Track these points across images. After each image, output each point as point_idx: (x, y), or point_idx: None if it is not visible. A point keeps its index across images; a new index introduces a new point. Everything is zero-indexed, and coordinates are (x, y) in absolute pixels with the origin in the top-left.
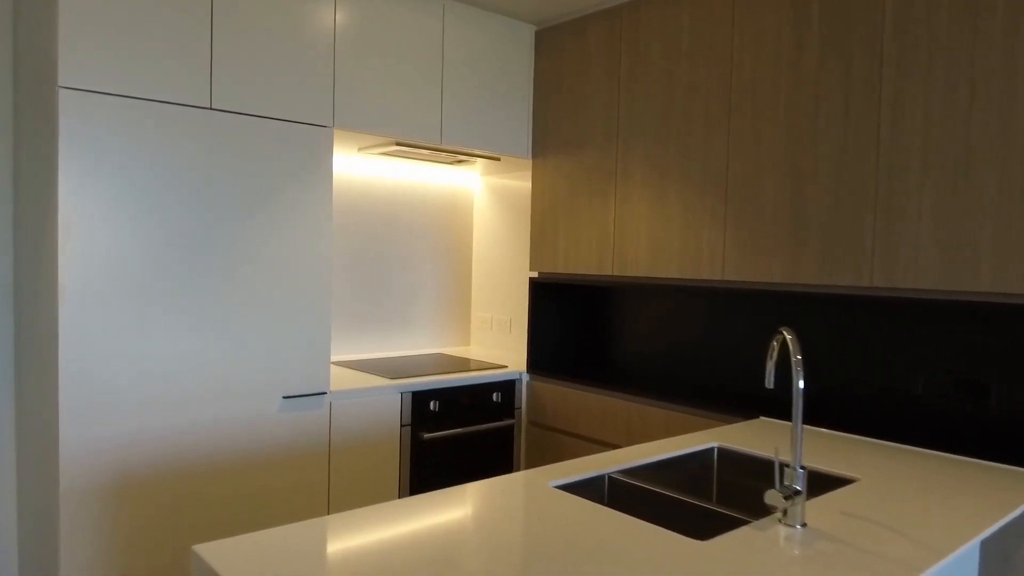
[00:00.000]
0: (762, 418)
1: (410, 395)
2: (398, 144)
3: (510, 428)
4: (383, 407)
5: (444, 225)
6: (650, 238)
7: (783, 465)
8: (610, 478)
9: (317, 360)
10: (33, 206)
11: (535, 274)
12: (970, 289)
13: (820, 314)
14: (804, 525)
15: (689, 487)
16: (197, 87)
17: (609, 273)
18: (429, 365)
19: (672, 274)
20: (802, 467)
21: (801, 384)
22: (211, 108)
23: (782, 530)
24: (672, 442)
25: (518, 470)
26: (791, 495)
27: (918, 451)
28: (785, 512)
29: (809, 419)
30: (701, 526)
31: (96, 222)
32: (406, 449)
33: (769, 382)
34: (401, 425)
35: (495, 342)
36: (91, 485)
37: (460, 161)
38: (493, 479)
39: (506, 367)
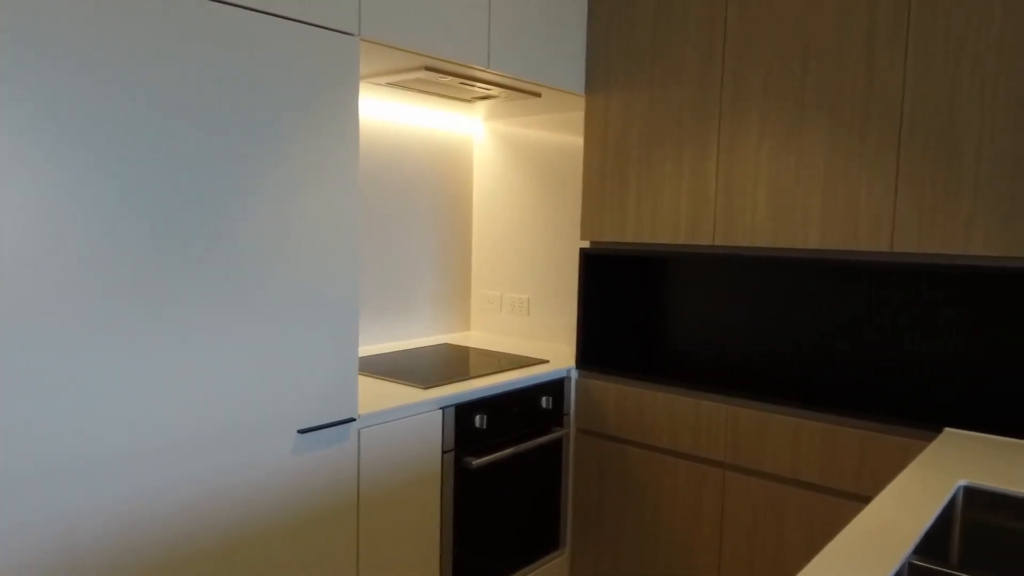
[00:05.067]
0: (948, 430)
1: (452, 410)
2: (427, 69)
3: (559, 441)
4: (420, 429)
5: (442, 183)
6: (774, 198)
7: None
8: (911, 564)
9: (342, 373)
10: None
11: (586, 244)
12: None
13: None
14: None
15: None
16: None
17: (708, 243)
18: (449, 363)
19: (811, 244)
20: None
21: None
22: None
23: None
24: (904, 483)
25: (568, 493)
26: None
27: None
28: None
29: None
30: None
31: (12, 168)
32: (448, 483)
33: None
34: (443, 451)
35: (504, 327)
36: None
37: (484, 97)
38: None
39: (548, 362)
